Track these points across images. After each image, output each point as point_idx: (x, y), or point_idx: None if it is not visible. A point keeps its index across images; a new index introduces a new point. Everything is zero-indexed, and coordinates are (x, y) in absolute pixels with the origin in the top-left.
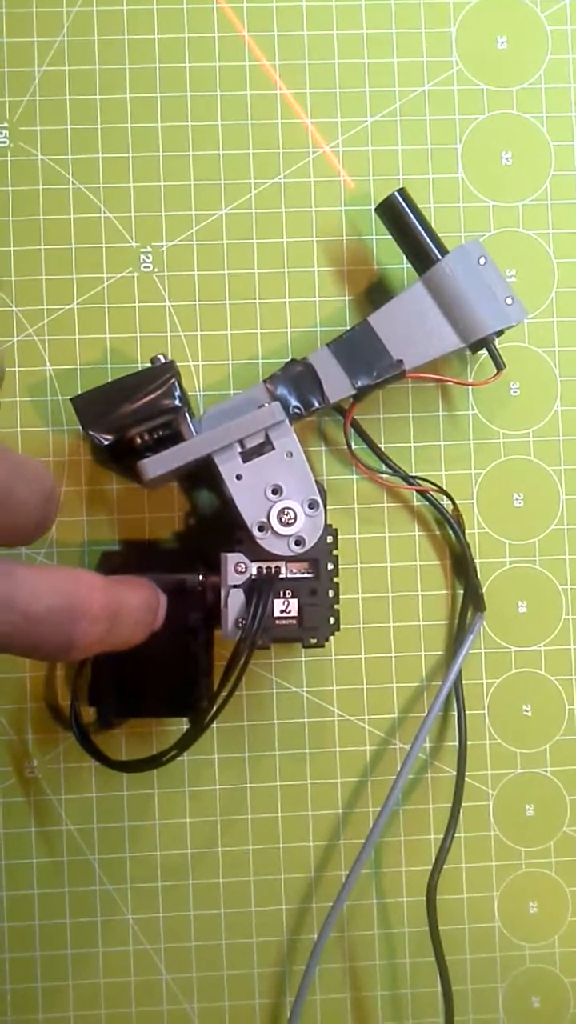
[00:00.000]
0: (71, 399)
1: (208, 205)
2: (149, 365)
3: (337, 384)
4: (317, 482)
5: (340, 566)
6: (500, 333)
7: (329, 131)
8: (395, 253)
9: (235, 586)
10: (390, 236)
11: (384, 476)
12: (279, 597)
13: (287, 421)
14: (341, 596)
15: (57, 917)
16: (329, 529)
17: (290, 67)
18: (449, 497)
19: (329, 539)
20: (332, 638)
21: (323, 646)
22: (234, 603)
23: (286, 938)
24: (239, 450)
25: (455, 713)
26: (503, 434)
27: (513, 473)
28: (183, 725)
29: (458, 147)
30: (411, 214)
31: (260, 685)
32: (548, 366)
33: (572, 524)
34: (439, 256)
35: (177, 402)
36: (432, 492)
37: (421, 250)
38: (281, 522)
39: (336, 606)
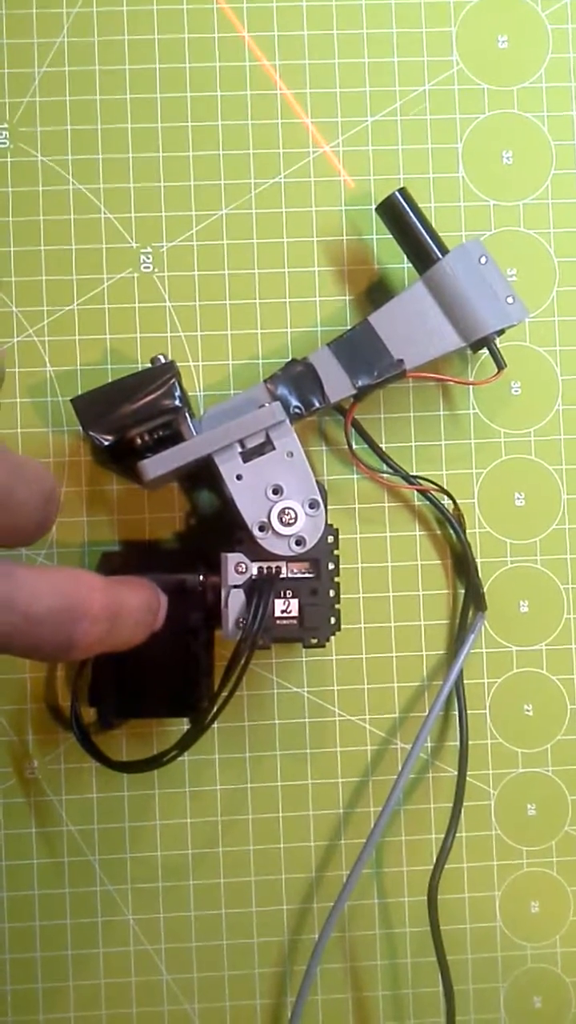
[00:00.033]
0: (71, 400)
1: (208, 205)
2: (149, 365)
3: (338, 384)
4: (318, 482)
5: (341, 566)
6: (501, 332)
7: (329, 131)
8: (396, 253)
9: (236, 586)
10: (390, 236)
11: (385, 476)
12: (280, 597)
13: (287, 421)
14: (342, 596)
15: (58, 918)
16: (330, 529)
17: (290, 67)
18: (450, 496)
19: (330, 539)
20: (333, 638)
21: (324, 646)
22: (234, 603)
23: (287, 938)
24: (239, 450)
25: (456, 713)
26: (504, 433)
27: (514, 472)
28: (184, 725)
29: (459, 146)
30: (412, 213)
31: (261, 685)
32: (549, 365)
33: (573, 523)
34: (440, 255)
35: (177, 402)
36: (433, 492)
37: (422, 249)
38: (282, 522)
39: (337, 606)
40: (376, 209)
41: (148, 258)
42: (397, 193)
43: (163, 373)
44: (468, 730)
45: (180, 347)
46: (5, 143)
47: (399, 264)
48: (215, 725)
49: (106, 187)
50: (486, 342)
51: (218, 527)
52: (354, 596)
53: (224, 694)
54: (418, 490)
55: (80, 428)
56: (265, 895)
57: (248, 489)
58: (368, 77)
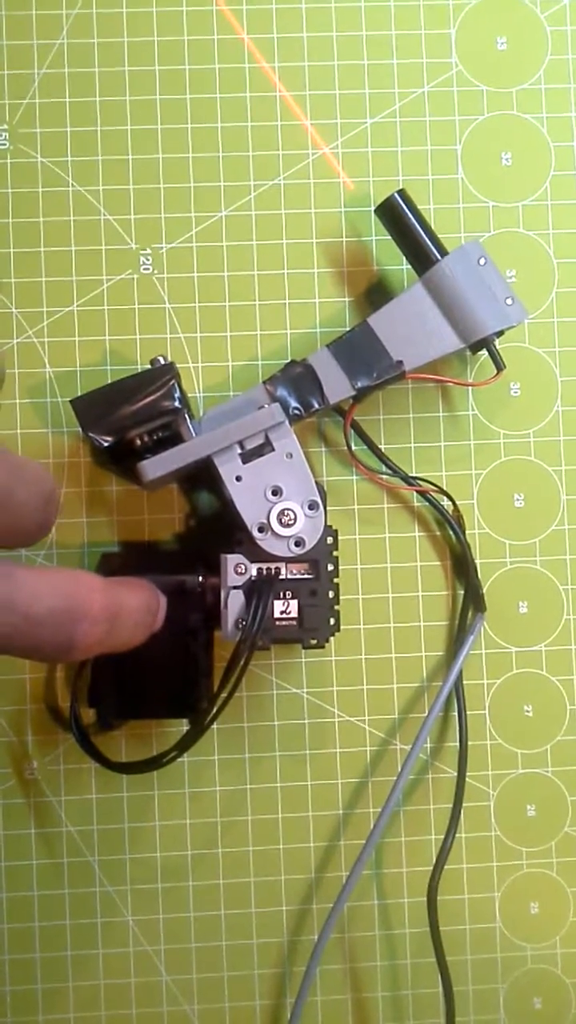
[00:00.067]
0: (71, 401)
1: (208, 207)
2: (149, 367)
3: (337, 385)
4: (317, 483)
5: (340, 567)
6: (500, 333)
7: (329, 133)
8: (395, 254)
9: (235, 587)
10: (390, 237)
11: (384, 477)
12: (279, 598)
13: (287, 422)
14: (341, 597)
15: (57, 919)
16: (329, 530)
17: (290, 69)
18: (449, 498)
19: (329, 540)
20: (332, 639)
21: (323, 647)
22: (234, 604)
23: (286, 939)
24: (239, 451)
25: (456, 714)
26: (503, 434)
27: (513, 473)
28: (183, 726)
29: (458, 148)
30: (411, 215)
31: (260, 686)
32: (548, 366)
33: (573, 524)
34: (439, 257)
35: (177, 404)
36: (432, 493)
37: (421, 251)
38: (281, 523)
39: (336, 607)
40: (375, 211)
41: (148, 259)
42: (396, 195)
43: (163, 374)
44: (468, 731)
45: (180, 348)
46: (5, 144)
47: (398, 266)
48: (214, 726)
49: (106, 188)
50: (485, 343)
51: (217, 528)
52: (353, 597)
53: (223, 695)
54: (417, 491)
55: (80, 429)
56: (264, 896)
57: (247, 490)
58: (367, 79)
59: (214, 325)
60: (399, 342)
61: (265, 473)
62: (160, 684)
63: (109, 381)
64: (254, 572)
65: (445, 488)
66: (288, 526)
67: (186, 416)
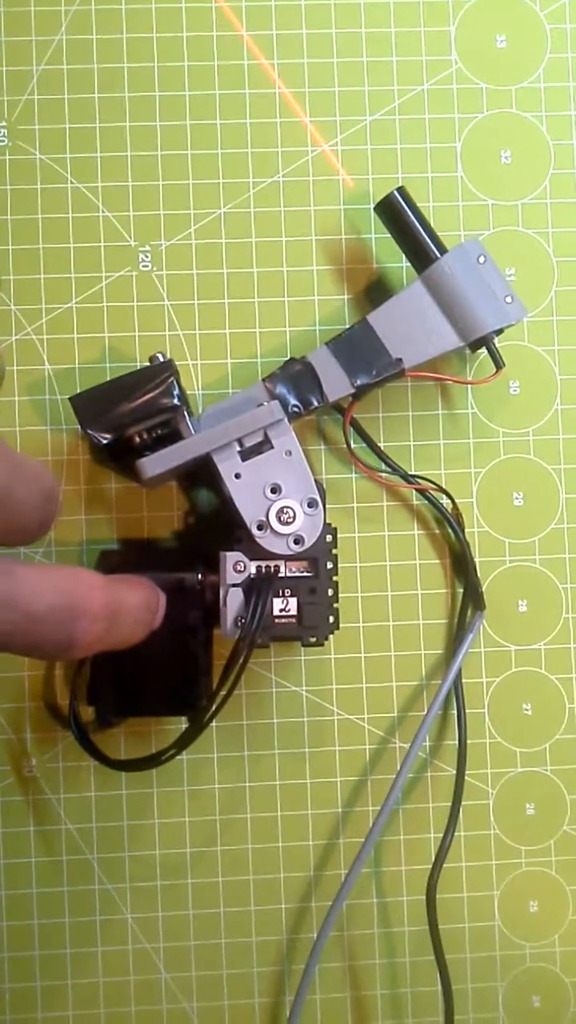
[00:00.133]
0: (69, 398)
1: (207, 204)
2: (148, 364)
3: (336, 383)
4: (316, 481)
5: (339, 565)
6: (499, 332)
7: (328, 130)
8: (394, 252)
9: (234, 585)
10: (389, 235)
11: (383, 475)
12: (278, 596)
13: (286, 420)
14: (340, 595)
15: (56, 916)
16: (328, 528)
17: (289, 66)
18: (449, 496)
19: (328, 538)
20: (331, 637)
21: (322, 645)
22: (233, 602)
23: (285, 937)
24: (238, 449)
25: (455, 712)
26: (503, 433)
27: (513, 472)
28: (182, 724)
29: (457, 146)
30: (410, 213)
31: (259, 684)
32: (548, 365)
33: (572, 523)
34: (438, 255)
35: (176, 401)
36: (431, 491)
37: (420, 249)
38: (280, 521)
39: (335, 605)
40: (375, 208)
41: (147, 256)
42: (396, 192)
43: (161, 371)
44: (467, 729)
45: (179, 346)
46: (3, 141)
47: (398, 263)
48: (213, 724)
49: (104, 185)
50: (485, 341)
51: (217, 526)
52: (353, 595)
53: (223, 693)
54: (417, 489)
55: (78, 426)
56: (264, 894)
57: (246, 488)
58: (367, 76)
59: (213, 322)
60: (398, 340)
61: (264, 471)
62: (159, 682)
63: (108, 378)
64: (253, 570)
65: (444, 486)
66: (287, 524)
67: (185, 413)
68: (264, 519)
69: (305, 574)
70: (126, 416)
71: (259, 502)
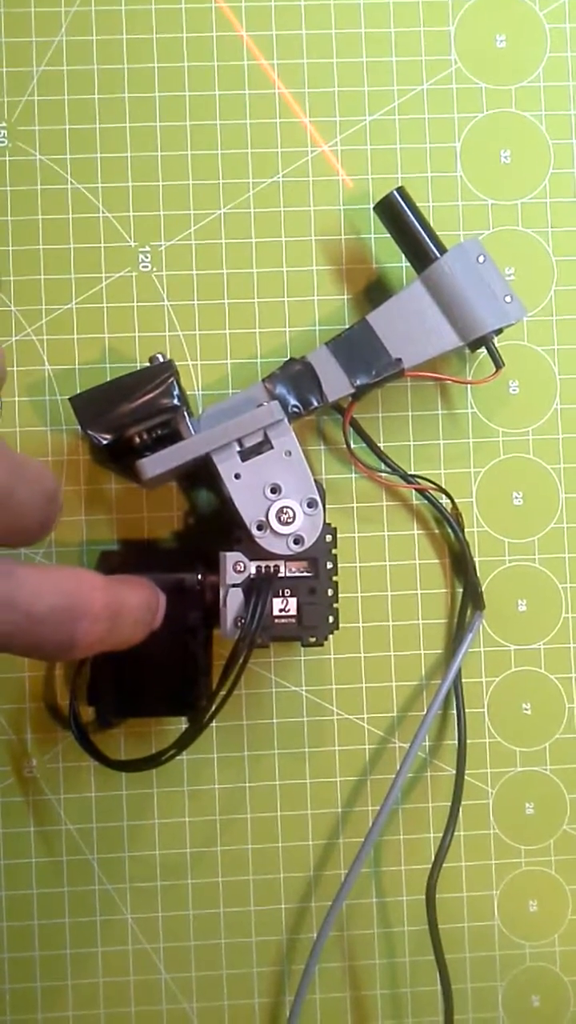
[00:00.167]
0: (69, 398)
1: (207, 204)
2: (148, 364)
3: (336, 383)
4: (316, 481)
5: (339, 565)
6: (499, 331)
7: (327, 130)
8: (394, 252)
9: (234, 585)
10: (389, 235)
11: (383, 475)
12: (278, 596)
13: (286, 420)
14: (340, 595)
15: (56, 917)
16: (328, 528)
17: (288, 66)
18: (448, 496)
19: (328, 538)
20: (331, 637)
21: (322, 645)
22: (233, 602)
23: (285, 937)
24: (238, 449)
25: (454, 712)
26: (502, 432)
27: (512, 471)
28: (182, 724)
29: (457, 145)
30: (410, 213)
31: (259, 684)
32: (547, 364)
33: (571, 522)
34: (438, 254)
35: (176, 401)
36: (431, 491)
37: (420, 248)
38: (280, 521)
39: (335, 605)
40: (374, 208)
41: (146, 257)
42: (395, 192)
43: (161, 372)
44: (466, 729)
45: (178, 346)
46: (3, 142)
47: (397, 263)
48: (213, 724)
49: (104, 186)
50: (484, 341)
51: (216, 526)
52: (352, 595)
53: (222, 693)
54: (416, 489)
55: (78, 427)
56: (263, 894)
57: (246, 488)
58: (366, 76)
59: (213, 323)
60: (398, 340)
61: (264, 471)
62: (159, 682)
63: (108, 379)
64: (253, 570)
65: (444, 486)
66: (287, 524)
67: (185, 414)
68: (264, 519)
69: (305, 574)
70: (126, 417)
71: (259, 502)
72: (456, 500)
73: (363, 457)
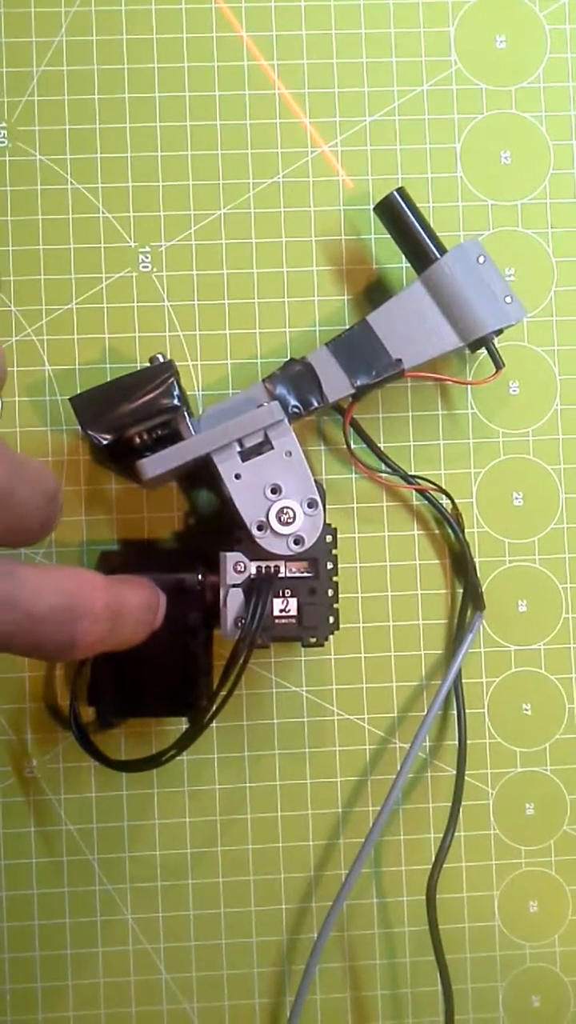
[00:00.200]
0: (70, 399)
1: (207, 205)
2: (148, 365)
3: (336, 383)
4: (316, 481)
5: (339, 565)
6: (499, 332)
7: (328, 131)
8: (394, 252)
9: (234, 585)
10: (389, 235)
11: (383, 475)
12: (278, 596)
13: (286, 420)
14: (340, 595)
15: (57, 917)
16: (328, 528)
17: (288, 67)
18: (448, 496)
19: (328, 538)
20: (331, 637)
21: (322, 645)
22: (233, 602)
23: (286, 937)
24: (238, 449)
25: (455, 712)
26: (502, 433)
27: (512, 472)
28: (182, 724)
29: (457, 146)
30: (410, 213)
31: (259, 684)
32: (547, 365)
33: (572, 523)
34: (438, 255)
35: (176, 401)
36: (431, 491)
37: (420, 249)
38: (280, 521)
39: (335, 605)
40: (374, 209)
41: (147, 257)
42: (395, 193)
43: (162, 372)
44: (467, 729)
45: (179, 346)
46: (3, 142)
47: (397, 264)
48: (214, 724)
49: (104, 186)
50: (484, 342)
51: (217, 526)
52: (352, 595)
53: (223, 693)
54: (416, 490)
55: (79, 427)
56: (264, 894)
57: (246, 488)
58: (366, 77)
59: (213, 323)
60: (398, 340)
61: (264, 471)
62: (159, 682)
63: (108, 379)
64: (253, 570)
65: (444, 487)
66: (287, 524)
67: (185, 414)
68: (264, 519)
69: (305, 574)
70: (126, 417)
71: (259, 502)
72: (456, 500)
73: (363, 457)
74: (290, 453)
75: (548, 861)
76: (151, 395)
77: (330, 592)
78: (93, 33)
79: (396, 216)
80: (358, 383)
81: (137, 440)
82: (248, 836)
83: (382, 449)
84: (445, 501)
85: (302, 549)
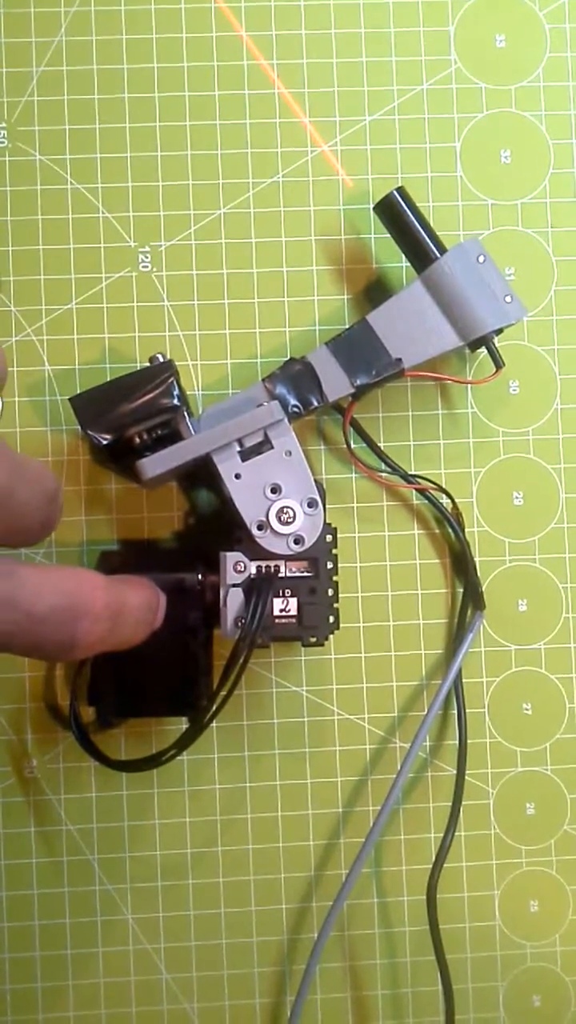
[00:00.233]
0: (70, 399)
1: (206, 205)
2: (148, 364)
3: (336, 383)
4: (316, 481)
5: (339, 565)
6: (499, 331)
7: (327, 130)
8: (394, 252)
9: (234, 585)
10: (389, 235)
11: (383, 475)
12: (278, 596)
13: (286, 420)
14: (340, 595)
15: (57, 917)
16: (328, 528)
17: (288, 66)
18: (448, 496)
19: (328, 538)
20: (332, 637)
21: (323, 645)
22: (233, 602)
23: (286, 937)
24: (238, 449)
25: (455, 712)
26: (502, 432)
27: (513, 471)
28: (182, 724)
29: (457, 145)
30: (410, 213)
31: (260, 684)
32: (547, 364)
33: (572, 522)
34: (438, 254)
35: (176, 401)
36: (431, 491)
37: (420, 248)
38: (280, 521)
39: (335, 605)
40: (374, 208)
41: (146, 257)
42: (395, 192)
43: (161, 372)
44: (467, 729)
45: (178, 346)
46: (3, 142)
47: (397, 263)
48: (214, 724)
49: (104, 186)
50: (484, 341)
51: (217, 526)
52: (353, 595)
53: (223, 693)
54: (416, 489)
55: (79, 427)
56: (264, 894)
57: (246, 488)
58: (366, 76)
59: (213, 323)
60: (398, 340)
61: (264, 471)
62: (160, 682)
63: (108, 379)
64: (253, 570)
65: (444, 486)
66: (287, 524)
67: (185, 414)
68: (264, 519)
69: (305, 574)
70: (126, 417)
71: (259, 502)
72: (456, 500)
73: (363, 457)
74: (290, 453)
75: (549, 861)
76: (151, 395)
77: (330, 592)
78: (93, 33)
79: (396, 215)
80: (358, 382)
81: (137, 440)
82: (248, 836)
83: (382, 449)
84: (445, 501)
85: (302, 549)
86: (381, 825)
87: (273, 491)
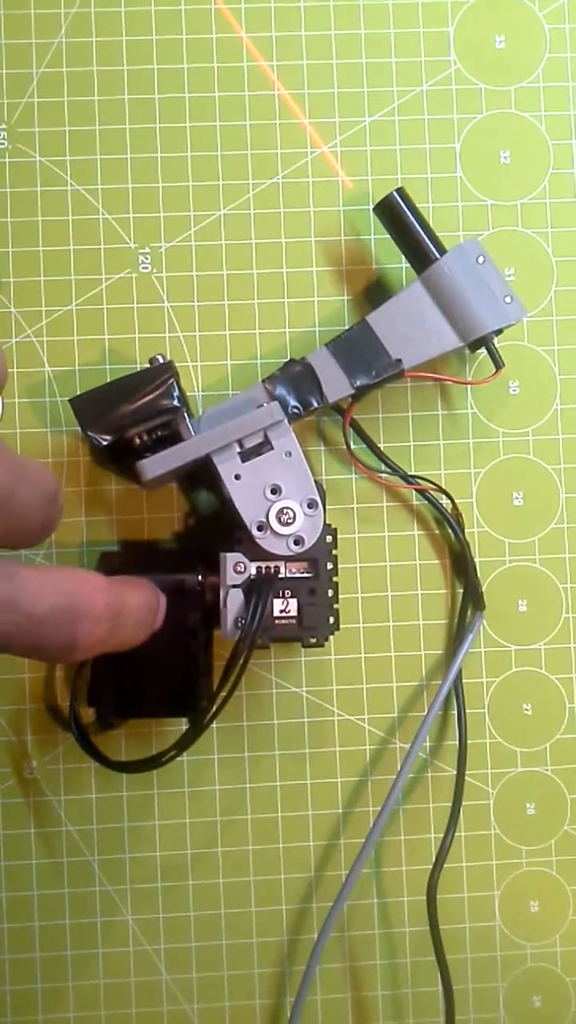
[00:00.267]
0: (70, 400)
1: (206, 206)
2: (148, 366)
3: (336, 384)
4: (316, 482)
5: (339, 565)
6: (499, 332)
7: (327, 131)
8: (393, 253)
9: (234, 586)
10: (388, 236)
11: (383, 475)
12: (278, 597)
13: (286, 421)
14: (340, 595)
15: (57, 918)
16: (328, 529)
17: (288, 68)
18: (448, 496)
19: (328, 539)
20: (332, 637)
21: (323, 645)
22: (233, 603)
23: (286, 938)
24: (238, 450)
25: (455, 712)
26: (502, 433)
27: (512, 472)
28: (182, 725)
29: (456, 146)
30: (409, 213)
31: (260, 685)
32: (547, 364)
33: (572, 523)
34: (437, 255)
35: (176, 402)
36: (431, 491)
37: (419, 249)
38: (280, 522)
39: (335, 605)
40: (374, 209)
41: (146, 258)
42: (395, 193)
43: (161, 373)
44: (467, 729)
45: (178, 347)
46: (3, 144)
47: (397, 264)
48: (214, 725)
49: (104, 188)
50: (484, 342)
51: (217, 527)
52: (353, 596)
53: (223, 694)
54: (416, 490)
55: (79, 428)
56: (264, 895)
57: (246, 489)
58: (366, 77)
59: (213, 324)
60: (398, 340)
61: (264, 472)
62: (159, 683)
63: (108, 380)
64: (253, 571)
65: (444, 487)
66: (287, 525)
67: (185, 415)
68: (264, 520)
69: (305, 575)
70: (126, 418)
71: (259, 503)
72: (456, 500)
73: (363, 458)
74: (290, 453)
75: (549, 861)
76: (151, 396)
77: (330, 592)
78: (93, 35)
79: (396, 216)
80: (358, 383)
81: (137, 441)
82: (248, 837)
83: (382, 449)
84: (445, 501)
85: (302, 549)
86: (381, 826)
87: (273, 492)
